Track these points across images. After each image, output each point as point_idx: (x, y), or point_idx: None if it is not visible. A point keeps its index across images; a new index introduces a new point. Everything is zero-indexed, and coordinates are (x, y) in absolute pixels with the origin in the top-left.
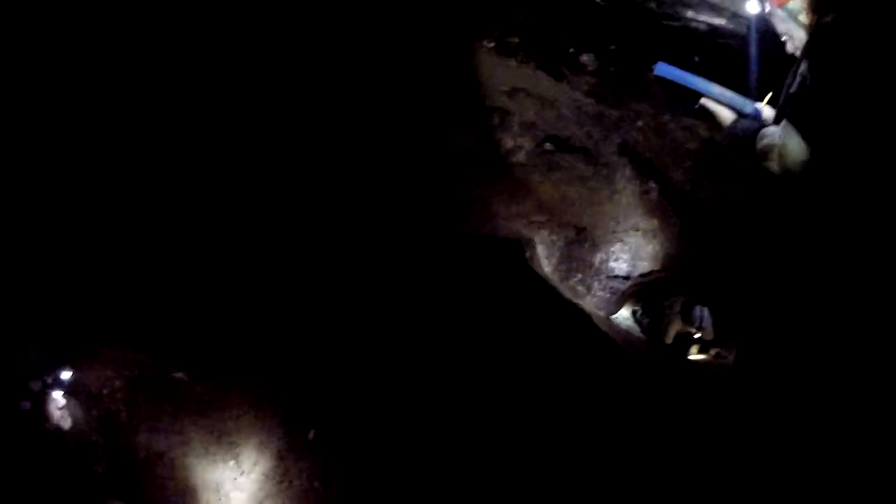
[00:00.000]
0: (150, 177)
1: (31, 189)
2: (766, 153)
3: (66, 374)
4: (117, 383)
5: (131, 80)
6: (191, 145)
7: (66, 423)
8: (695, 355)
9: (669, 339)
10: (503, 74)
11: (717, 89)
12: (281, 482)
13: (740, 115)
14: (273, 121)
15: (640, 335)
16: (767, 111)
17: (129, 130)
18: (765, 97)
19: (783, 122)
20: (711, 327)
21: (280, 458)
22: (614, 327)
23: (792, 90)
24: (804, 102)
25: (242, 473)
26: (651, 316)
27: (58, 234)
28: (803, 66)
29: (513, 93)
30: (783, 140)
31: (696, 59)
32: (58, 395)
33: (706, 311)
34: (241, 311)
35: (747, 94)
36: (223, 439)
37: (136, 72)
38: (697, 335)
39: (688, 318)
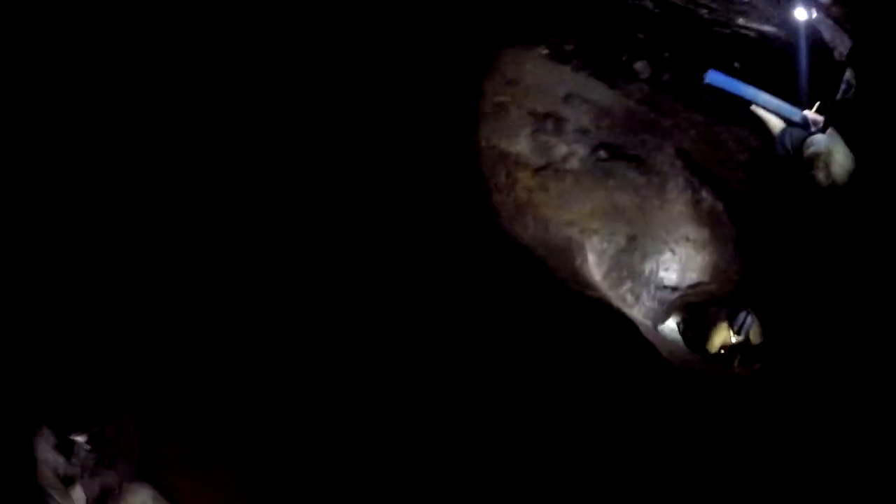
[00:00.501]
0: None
1: None
2: (812, 161)
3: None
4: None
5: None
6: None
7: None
8: (737, 367)
9: (714, 348)
10: (558, 80)
11: (765, 97)
12: None
13: (789, 123)
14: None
15: (685, 347)
16: (815, 119)
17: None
18: (813, 105)
19: (829, 130)
20: (758, 334)
21: None
22: (660, 338)
23: (838, 97)
24: (849, 110)
25: None
26: (696, 327)
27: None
28: (849, 74)
29: (567, 98)
30: (829, 148)
31: (737, 64)
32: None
33: (751, 317)
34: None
35: (795, 103)
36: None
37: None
38: (739, 340)
39: (732, 323)
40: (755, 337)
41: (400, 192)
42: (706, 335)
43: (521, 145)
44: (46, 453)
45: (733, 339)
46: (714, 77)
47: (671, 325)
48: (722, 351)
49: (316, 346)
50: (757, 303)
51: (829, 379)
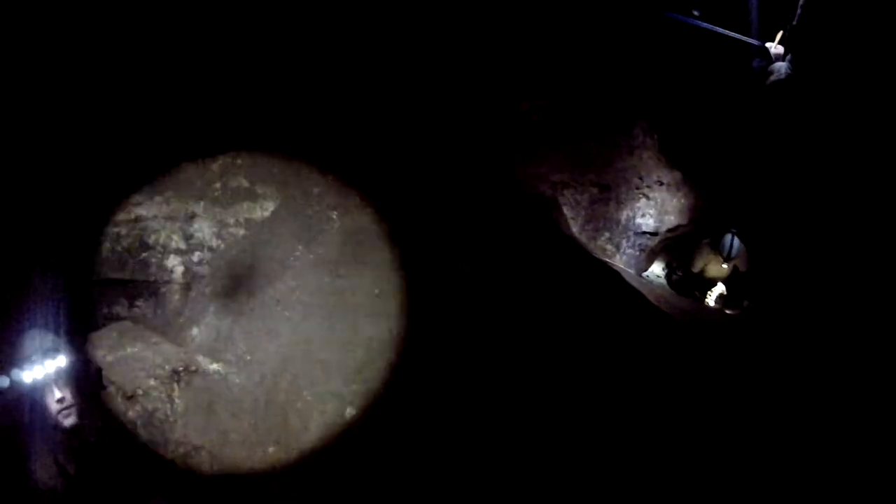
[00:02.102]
0: None
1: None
2: (774, 88)
3: (62, 364)
4: (151, 382)
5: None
6: None
7: (67, 421)
8: (731, 309)
9: (696, 269)
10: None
11: (722, 30)
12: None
13: (750, 53)
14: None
15: (672, 291)
16: (777, 50)
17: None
18: (775, 37)
19: (789, 57)
20: (745, 261)
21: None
22: (646, 285)
23: (794, 23)
24: (800, 33)
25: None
26: (682, 268)
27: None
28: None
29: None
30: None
31: (696, 12)
32: (58, 388)
33: (737, 241)
34: None
35: (751, 35)
36: (260, 426)
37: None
38: (732, 264)
39: (720, 249)
40: (742, 264)
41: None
42: (696, 271)
43: (478, 101)
44: None
45: (725, 266)
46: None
47: (656, 271)
48: (715, 286)
49: None
50: (739, 226)
51: (816, 311)
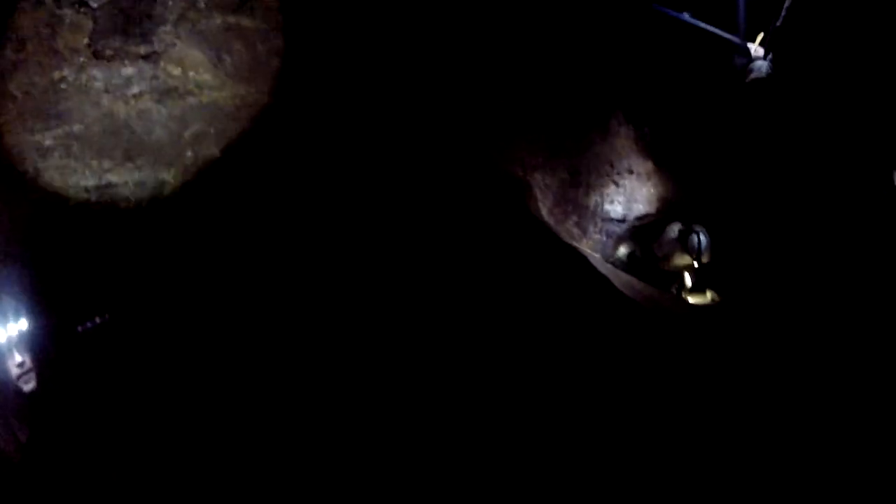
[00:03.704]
0: None
1: None
2: (754, 85)
3: (23, 328)
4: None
5: None
6: None
7: (28, 386)
8: (694, 297)
9: (660, 255)
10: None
11: (706, 26)
12: None
13: (732, 50)
14: None
15: (635, 278)
16: (758, 50)
17: None
18: (756, 37)
19: (770, 56)
20: (708, 254)
21: None
22: (611, 269)
23: (778, 24)
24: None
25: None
26: (646, 257)
27: None
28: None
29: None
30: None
31: (686, 14)
32: (18, 352)
33: (703, 238)
34: None
35: (737, 34)
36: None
37: None
38: (700, 261)
39: (687, 246)
40: (705, 256)
41: None
42: (660, 261)
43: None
44: None
45: (692, 263)
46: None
47: (621, 257)
48: (681, 276)
49: None
50: (706, 221)
51: (782, 301)
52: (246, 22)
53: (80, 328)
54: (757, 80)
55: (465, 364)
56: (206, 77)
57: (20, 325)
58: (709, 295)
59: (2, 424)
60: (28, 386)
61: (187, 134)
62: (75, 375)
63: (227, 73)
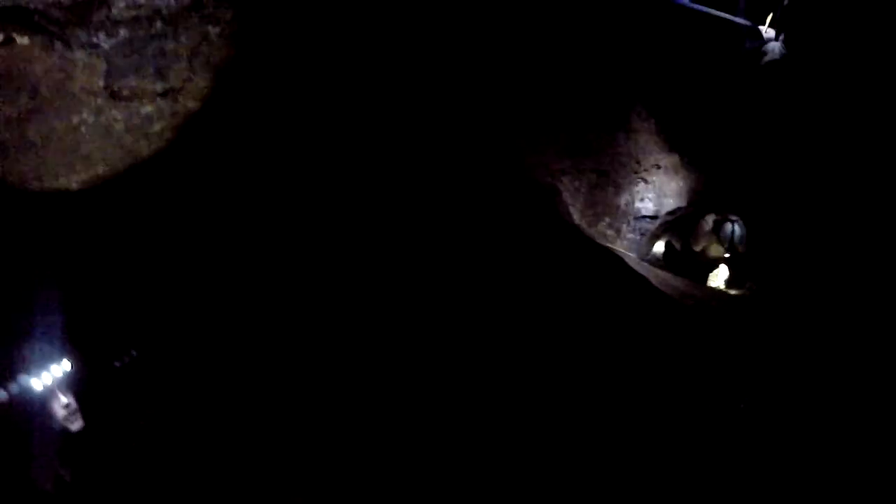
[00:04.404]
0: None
1: None
2: (769, 67)
3: (65, 370)
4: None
5: None
6: None
7: (75, 426)
8: (732, 288)
9: (698, 248)
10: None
11: (714, 12)
12: None
13: (742, 34)
14: None
15: (672, 273)
16: (769, 30)
17: None
18: (765, 19)
19: (782, 37)
20: (743, 244)
21: None
22: (647, 268)
23: (785, 3)
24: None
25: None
26: (683, 250)
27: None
28: None
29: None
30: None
31: None
32: (62, 394)
33: (738, 228)
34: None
35: (741, 15)
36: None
37: None
38: (733, 251)
39: (720, 236)
40: (741, 247)
41: None
42: (697, 251)
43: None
44: None
45: (725, 254)
46: None
47: (657, 254)
48: (717, 267)
49: None
50: (740, 210)
51: (816, 291)
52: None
53: (117, 364)
54: (772, 62)
55: (513, 372)
56: None
57: (63, 366)
58: (746, 285)
59: (45, 465)
60: (75, 425)
61: None
62: (118, 411)
63: None
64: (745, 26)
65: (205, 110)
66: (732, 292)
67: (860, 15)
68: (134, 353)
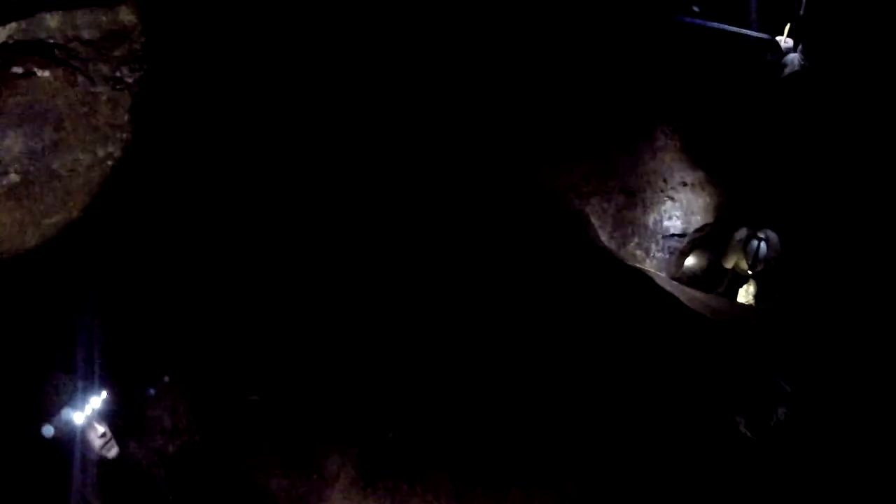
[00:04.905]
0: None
1: None
2: (790, 80)
3: (101, 402)
4: (190, 416)
5: None
6: None
7: (111, 453)
8: (760, 302)
9: (728, 266)
10: None
11: (732, 28)
12: (365, 488)
13: (760, 47)
14: None
15: (702, 291)
16: (787, 43)
17: None
18: (783, 30)
19: (800, 48)
20: (772, 260)
21: (363, 462)
22: (677, 286)
23: (801, 13)
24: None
25: (327, 485)
26: (712, 267)
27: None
28: None
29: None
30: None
31: (696, 8)
32: (98, 424)
33: (765, 245)
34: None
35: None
36: (303, 453)
37: None
38: (756, 269)
39: (746, 252)
40: (763, 264)
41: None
42: (728, 268)
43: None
44: None
45: (753, 270)
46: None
47: (686, 272)
48: (747, 282)
49: None
50: (771, 223)
51: (844, 305)
52: None
53: (149, 391)
54: (793, 73)
55: (547, 390)
56: None
57: (100, 397)
58: (774, 299)
59: (84, 494)
60: (111, 453)
61: None
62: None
63: None
64: (763, 39)
65: None
66: (762, 307)
67: (876, 20)
68: (167, 378)
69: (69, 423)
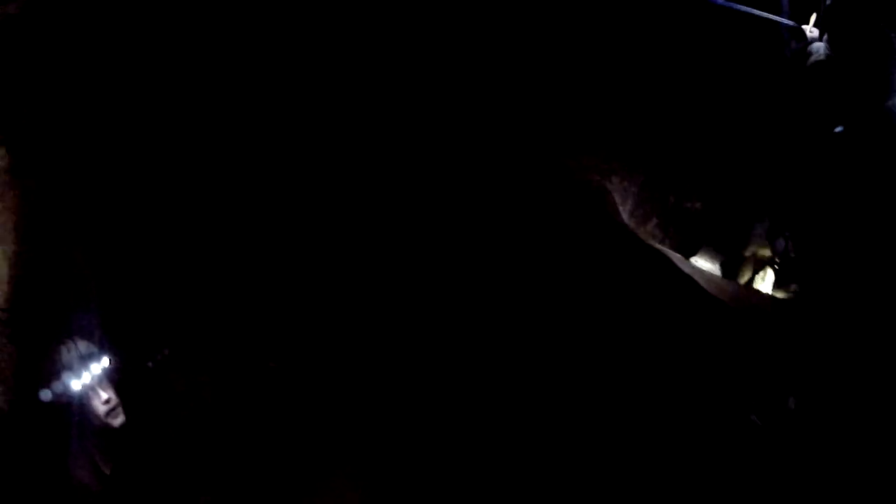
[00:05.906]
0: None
1: None
2: (815, 69)
3: (104, 367)
4: (205, 383)
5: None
6: None
7: (116, 421)
8: (779, 291)
9: (748, 253)
10: None
11: (756, 12)
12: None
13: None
14: None
15: (720, 275)
16: (813, 32)
17: None
18: (808, 19)
19: (825, 37)
20: (793, 249)
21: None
22: (694, 268)
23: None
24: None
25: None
26: (732, 252)
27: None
28: None
29: None
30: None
31: None
32: (102, 390)
33: (788, 233)
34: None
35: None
36: (321, 426)
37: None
38: (777, 260)
39: (770, 243)
40: (786, 253)
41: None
42: (746, 257)
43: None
44: None
45: (774, 259)
46: None
47: (706, 254)
48: (765, 270)
49: None
50: (794, 211)
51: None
52: None
53: (150, 363)
54: (818, 62)
55: (558, 368)
56: None
57: (102, 363)
58: (793, 288)
59: (87, 460)
60: (117, 420)
61: None
62: (154, 407)
63: None
64: (790, 27)
65: None
66: (780, 295)
67: None
68: (166, 350)
69: (69, 387)
